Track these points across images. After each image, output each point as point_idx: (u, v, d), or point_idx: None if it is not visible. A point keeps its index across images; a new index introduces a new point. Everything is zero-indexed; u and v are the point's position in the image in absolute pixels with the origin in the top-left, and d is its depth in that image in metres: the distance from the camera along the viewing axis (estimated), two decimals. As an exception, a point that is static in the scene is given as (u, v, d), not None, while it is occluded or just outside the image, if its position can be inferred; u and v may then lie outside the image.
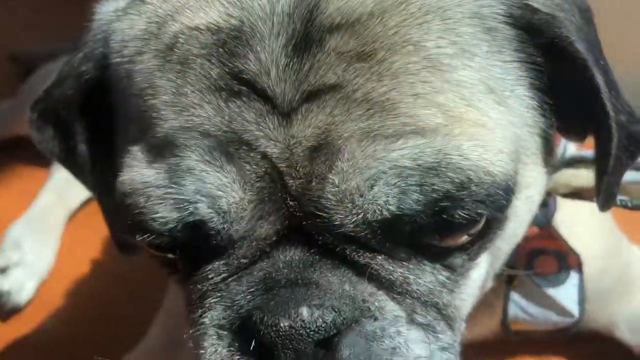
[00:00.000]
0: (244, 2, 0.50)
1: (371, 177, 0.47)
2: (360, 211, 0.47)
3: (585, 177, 0.69)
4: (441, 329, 0.53)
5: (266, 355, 0.49)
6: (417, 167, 0.47)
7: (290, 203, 0.49)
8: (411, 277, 0.52)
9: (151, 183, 0.50)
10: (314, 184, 0.48)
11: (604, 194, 0.61)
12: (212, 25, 0.50)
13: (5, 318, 1.17)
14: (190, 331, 0.54)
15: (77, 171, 0.66)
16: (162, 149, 0.50)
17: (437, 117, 0.48)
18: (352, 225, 0.48)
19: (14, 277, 1.17)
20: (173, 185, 0.49)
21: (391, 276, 0.51)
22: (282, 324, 0.48)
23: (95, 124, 0.61)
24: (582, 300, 0.82)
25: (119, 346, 1.01)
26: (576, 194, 0.73)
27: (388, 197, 0.47)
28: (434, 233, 0.51)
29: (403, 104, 0.47)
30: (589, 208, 0.78)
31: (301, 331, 0.48)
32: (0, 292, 1.15)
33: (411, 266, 0.52)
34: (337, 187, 0.47)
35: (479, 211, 0.49)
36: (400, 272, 0.51)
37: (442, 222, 0.48)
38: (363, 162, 0.47)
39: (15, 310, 1.17)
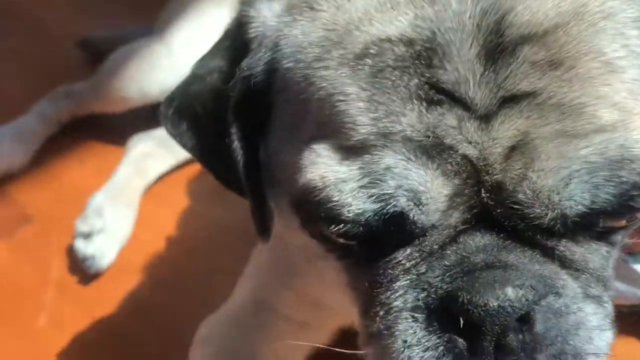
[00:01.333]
0: (430, 13, 0.53)
1: (566, 176, 0.51)
2: (556, 207, 0.52)
3: None
4: (607, 298, 0.58)
5: (467, 333, 0.53)
6: (604, 160, 0.51)
7: (484, 196, 0.52)
8: (588, 256, 0.57)
9: (347, 180, 0.53)
10: (510, 180, 0.52)
11: None
12: (405, 37, 0.53)
13: (88, 281, 1.22)
14: (380, 314, 0.57)
15: (216, 164, 0.69)
16: (353, 150, 0.53)
17: (615, 114, 0.51)
18: (547, 219, 0.52)
19: (97, 242, 1.22)
20: (373, 182, 0.52)
21: (574, 257, 0.56)
22: (491, 304, 0.52)
23: (246, 123, 0.63)
24: None
25: (193, 310, 1.05)
26: None
27: (582, 192, 0.51)
28: (616, 218, 0.55)
29: (589, 106, 0.51)
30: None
31: (508, 309, 0.52)
32: (85, 255, 1.20)
33: (587, 246, 0.56)
34: (535, 183, 0.51)
35: None
36: (580, 253, 0.56)
37: (627, 208, 0.53)
38: (558, 162, 0.51)
39: (97, 274, 1.23)
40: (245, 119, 0.63)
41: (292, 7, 0.60)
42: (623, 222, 0.56)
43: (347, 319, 0.83)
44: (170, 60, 1.42)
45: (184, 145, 0.69)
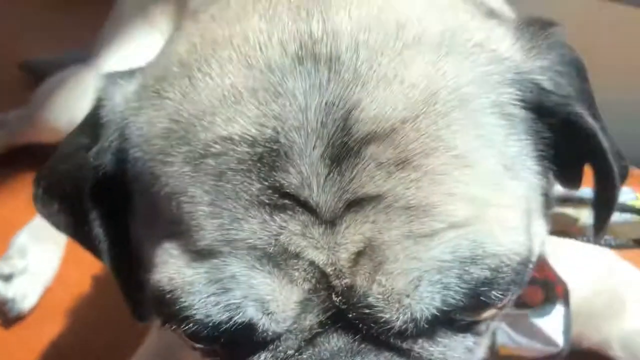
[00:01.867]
0: (274, 109, 0.49)
1: (415, 278, 0.49)
2: (407, 310, 0.50)
3: (571, 214, 0.71)
4: None
5: None
6: (455, 259, 0.49)
7: (335, 299, 0.50)
8: (448, 352, 0.54)
9: (193, 283, 0.51)
10: (360, 284, 0.50)
11: (601, 228, 0.65)
12: (247, 137, 0.49)
13: (9, 325, 1.21)
14: None
15: (89, 246, 0.66)
16: (204, 254, 0.51)
17: (469, 209, 0.50)
18: (399, 322, 0.50)
19: (18, 284, 1.21)
20: (218, 289, 0.50)
21: (431, 356, 0.53)
22: None
23: (108, 207, 0.61)
24: (567, 330, 0.82)
25: (120, 353, 1.05)
26: (562, 232, 0.73)
27: (432, 294, 0.49)
28: (470, 312, 0.53)
29: (440, 205, 0.49)
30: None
31: None
32: (5, 299, 1.19)
33: (447, 341, 0.54)
34: (384, 287, 0.49)
35: (510, 288, 0.52)
36: (439, 351, 0.54)
37: (480, 302, 0.51)
38: (407, 264, 0.49)
39: (18, 317, 1.21)
40: (108, 203, 0.60)
41: (143, 89, 0.58)
42: (485, 315, 0.54)
43: None
44: (101, 88, 1.41)
45: (57, 227, 0.67)
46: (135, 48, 1.42)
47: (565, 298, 0.81)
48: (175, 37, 0.60)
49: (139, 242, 0.60)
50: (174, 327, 0.55)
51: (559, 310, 0.81)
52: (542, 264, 0.77)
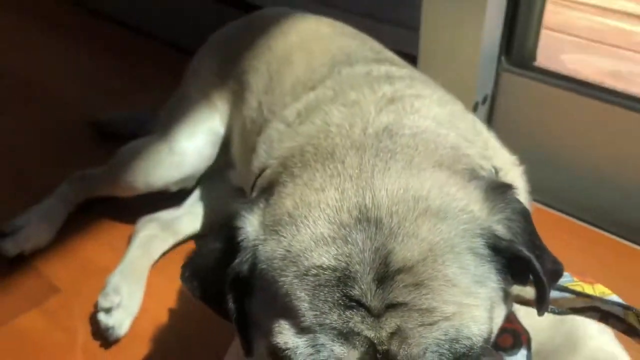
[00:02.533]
0: (345, 251, 0.81)
1: (423, 348, 0.81)
2: None
3: (529, 292, 0.99)
4: None
5: None
6: (446, 339, 0.80)
7: (379, 357, 0.82)
8: None
9: (298, 347, 0.82)
10: (393, 350, 0.81)
11: (543, 307, 0.95)
12: (330, 266, 0.81)
13: (109, 346, 1.53)
14: None
15: (216, 309, 0.96)
16: (304, 330, 0.82)
17: (455, 308, 0.81)
18: None
19: (116, 316, 1.52)
20: (313, 352, 0.82)
21: None
22: None
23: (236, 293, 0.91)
24: None
25: None
26: (524, 302, 1.03)
27: (433, 357, 0.81)
28: None
29: (439, 307, 0.81)
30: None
31: None
32: (107, 326, 1.50)
33: None
34: (406, 352, 0.81)
35: (478, 354, 0.84)
36: None
37: None
38: (419, 341, 0.80)
39: (115, 341, 1.53)
40: (237, 289, 0.91)
41: (266, 227, 0.89)
42: None
43: None
44: (172, 159, 1.73)
45: (196, 297, 0.97)
46: (200, 126, 1.74)
47: (528, 343, 1.08)
48: (283, 194, 0.91)
49: (257, 316, 0.90)
50: None
51: (523, 352, 1.08)
52: (512, 317, 1.06)
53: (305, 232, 0.85)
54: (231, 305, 0.90)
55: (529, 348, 1.09)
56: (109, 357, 1.51)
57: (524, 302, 1.04)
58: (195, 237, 1.83)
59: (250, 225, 0.90)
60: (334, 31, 1.65)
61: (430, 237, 0.82)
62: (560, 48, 2.11)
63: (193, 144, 1.74)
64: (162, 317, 1.59)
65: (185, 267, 0.98)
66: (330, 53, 1.51)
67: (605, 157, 1.83)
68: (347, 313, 0.81)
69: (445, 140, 0.97)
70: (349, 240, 0.82)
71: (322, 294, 0.82)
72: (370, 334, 0.81)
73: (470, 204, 0.87)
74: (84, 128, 2.27)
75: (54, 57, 2.88)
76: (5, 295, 1.68)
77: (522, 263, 0.89)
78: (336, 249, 0.82)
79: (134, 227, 1.80)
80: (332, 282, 0.81)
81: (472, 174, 0.93)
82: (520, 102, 1.97)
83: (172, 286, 1.67)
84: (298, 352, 0.82)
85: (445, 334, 0.81)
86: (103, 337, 1.54)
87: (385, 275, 0.81)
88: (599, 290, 1.04)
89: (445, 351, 0.81)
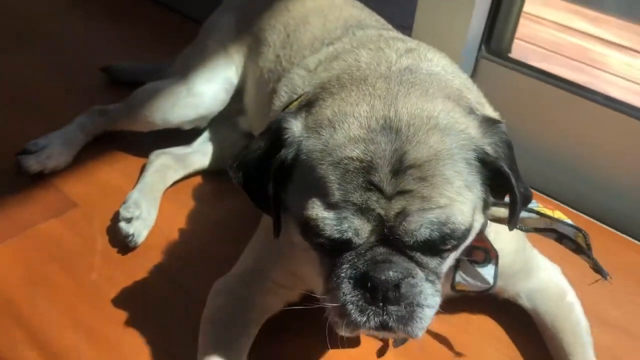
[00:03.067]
0: (371, 148, 1.04)
1: (419, 225, 1.05)
2: (414, 237, 1.07)
3: (502, 211, 1.25)
4: (437, 283, 1.13)
5: (371, 290, 1.08)
6: (438, 221, 1.05)
7: (385, 231, 1.07)
8: (429, 261, 1.11)
9: (327, 219, 1.06)
10: (396, 225, 1.06)
11: (512, 223, 1.21)
12: (359, 157, 1.04)
13: (125, 253, 1.72)
14: (333, 278, 1.11)
15: (253, 196, 1.19)
16: (331, 206, 1.06)
17: (447, 201, 1.05)
18: (410, 242, 1.08)
19: (135, 225, 1.71)
20: (338, 224, 1.06)
21: (422, 260, 1.10)
22: (382, 277, 1.06)
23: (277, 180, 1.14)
24: (495, 277, 1.34)
25: (201, 280, 1.55)
26: (497, 220, 1.29)
27: (426, 233, 1.06)
28: (439, 245, 1.10)
29: (435, 197, 1.05)
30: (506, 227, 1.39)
31: (389, 280, 1.07)
32: (127, 233, 1.69)
33: (428, 257, 1.12)
34: (406, 227, 1.06)
35: (459, 238, 1.10)
36: (425, 259, 1.11)
37: (444, 242, 1.09)
38: (417, 219, 1.05)
39: (134, 247, 1.72)
40: (276, 178, 1.14)
41: (308, 128, 1.13)
42: (447, 248, 1.10)
43: (311, 286, 1.35)
44: (190, 100, 1.93)
45: (239, 184, 1.20)
46: (217, 73, 1.94)
47: (496, 259, 1.32)
48: (323, 105, 1.13)
49: (293, 195, 1.14)
50: (308, 234, 1.10)
51: (492, 265, 1.34)
52: (483, 238, 1.29)
53: (340, 133, 1.09)
54: (271, 189, 1.14)
55: (496, 264, 1.35)
56: (125, 262, 1.70)
57: (498, 219, 1.30)
58: (203, 172, 2.03)
59: (296, 126, 1.14)
60: (346, 2, 1.89)
61: (436, 146, 1.06)
62: (525, 56, 2.43)
63: (210, 88, 1.94)
64: (173, 235, 1.79)
65: (234, 158, 1.21)
66: (343, 18, 1.76)
67: (569, 141, 2.06)
68: (367, 194, 1.05)
69: (452, 83, 1.22)
70: (375, 141, 1.06)
71: (349, 177, 1.06)
72: (381, 211, 1.06)
73: (468, 128, 1.12)
74: (96, 73, 2.44)
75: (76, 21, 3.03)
76: (26, 205, 1.85)
77: (501, 181, 1.14)
78: (364, 146, 1.06)
79: (147, 159, 1.99)
80: (358, 169, 1.05)
81: (471, 110, 1.18)
82: (494, 87, 2.23)
83: (182, 211, 1.88)
84: (326, 222, 1.07)
85: (437, 218, 1.06)
86: (122, 244, 1.73)
87: (399, 169, 1.05)
88: (557, 214, 1.31)
89: (434, 230, 1.06)
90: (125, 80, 2.38)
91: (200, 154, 2.03)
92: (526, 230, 1.32)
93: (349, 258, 1.10)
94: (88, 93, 2.34)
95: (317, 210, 1.07)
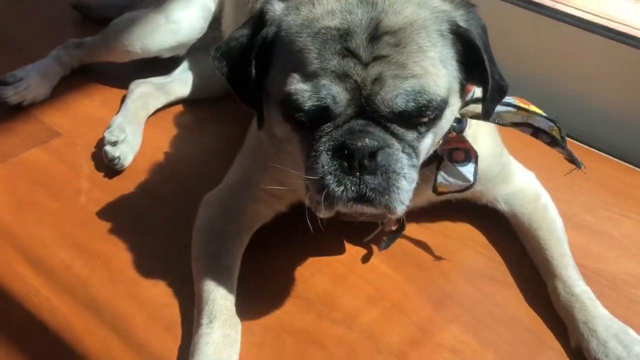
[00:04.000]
0: (348, 18, 1.11)
1: (395, 94, 1.10)
2: (390, 107, 1.11)
3: (479, 108, 1.30)
4: (414, 157, 1.16)
5: (348, 158, 1.10)
6: (413, 90, 1.10)
7: (362, 101, 1.11)
8: (405, 133, 1.15)
9: (305, 91, 1.10)
10: (373, 93, 1.10)
11: (485, 112, 1.24)
12: (337, 26, 1.10)
13: (112, 176, 1.74)
14: (312, 154, 1.13)
15: (236, 85, 1.22)
16: (309, 76, 1.10)
17: (422, 70, 1.11)
18: (386, 112, 1.12)
19: (121, 148, 1.72)
20: (316, 92, 1.09)
21: (398, 132, 1.14)
22: (359, 144, 1.09)
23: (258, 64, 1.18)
24: (475, 174, 1.37)
25: (187, 197, 1.59)
26: (475, 116, 1.33)
27: (402, 102, 1.10)
28: (415, 117, 1.14)
29: (410, 65, 1.10)
30: (485, 129, 1.45)
31: (366, 148, 1.09)
32: (113, 156, 1.70)
33: (405, 129, 1.15)
34: (382, 96, 1.10)
35: (435, 109, 1.14)
36: (401, 131, 1.15)
37: (420, 113, 1.13)
38: (393, 88, 1.10)
39: (121, 171, 1.74)
40: (258, 62, 1.17)
41: (289, 7, 1.17)
42: (424, 120, 1.14)
43: (299, 195, 1.39)
44: (168, 26, 1.93)
45: (222, 74, 1.23)
46: (195, 2, 1.95)
47: (475, 158, 1.36)
48: None
49: (273, 77, 1.17)
50: (288, 111, 1.13)
51: (472, 164, 1.38)
52: (463, 139, 1.34)
53: (319, 7, 1.14)
54: (253, 72, 1.17)
55: (476, 162, 1.40)
56: (113, 185, 1.72)
57: (476, 116, 1.35)
58: (184, 102, 2.04)
59: (277, 5, 1.19)
60: None
61: (411, 16, 1.12)
62: None
63: (188, 14, 1.95)
64: (159, 159, 1.82)
65: (217, 49, 1.24)
66: None
67: (554, 66, 2.05)
68: (344, 60, 1.10)
69: None
70: (352, 12, 1.12)
71: (327, 45, 1.10)
72: (358, 78, 1.10)
73: (442, 5, 1.18)
74: (69, 10, 2.41)
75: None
76: (8, 136, 1.86)
77: (476, 61, 1.17)
78: (341, 17, 1.12)
79: (127, 90, 1.99)
80: (336, 37, 1.10)
81: None
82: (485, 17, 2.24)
83: (167, 137, 1.90)
84: (305, 93, 1.10)
85: (412, 87, 1.10)
86: (108, 168, 1.74)
87: (375, 35, 1.10)
88: (533, 108, 1.36)
89: (410, 99, 1.10)
90: (97, 16, 2.36)
91: (180, 82, 2.03)
92: (503, 124, 1.37)
93: (327, 130, 1.13)
94: (62, 30, 2.31)
95: (296, 84, 1.11)
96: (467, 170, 1.40)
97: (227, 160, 1.57)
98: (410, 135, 1.16)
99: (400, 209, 1.16)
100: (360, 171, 1.12)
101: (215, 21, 1.99)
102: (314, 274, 1.51)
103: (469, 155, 1.39)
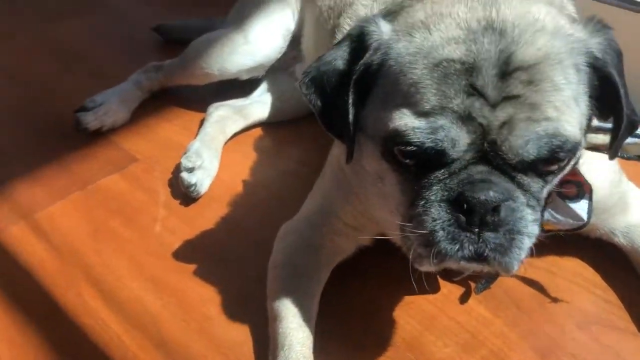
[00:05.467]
0: (474, 48, 0.94)
1: (526, 141, 0.93)
2: (520, 156, 0.95)
3: (601, 138, 1.13)
4: (538, 210, 1.01)
5: (466, 213, 0.95)
6: (546, 134, 0.93)
7: (486, 146, 0.95)
8: (532, 184, 0.99)
9: (419, 128, 0.94)
10: (500, 139, 0.94)
11: (614, 151, 1.08)
12: (461, 60, 0.94)
13: (188, 204, 1.66)
14: (419, 202, 0.99)
15: (326, 116, 1.08)
16: (424, 114, 0.94)
17: (555, 112, 0.94)
18: (515, 160, 0.96)
19: (198, 175, 1.65)
20: (432, 132, 0.94)
21: (524, 182, 0.98)
22: (481, 198, 0.94)
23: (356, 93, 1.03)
24: (589, 212, 1.22)
25: (264, 229, 1.48)
26: (594, 148, 1.17)
27: (533, 150, 0.94)
28: (545, 166, 0.98)
29: (543, 106, 0.94)
30: (601, 157, 1.24)
31: (488, 202, 0.94)
32: (189, 183, 1.63)
33: (532, 179, 0.99)
34: (511, 142, 0.94)
35: (568, 154, 0.97)
36: (527, 180, 0.99)
37: (551, 160, 0.97)
38: (524, 133, 0.93)
39: (197, 198, 1.66)
40: (356, 90, 1.03)
41: (398, 31, 1.02)
42: (553, 168, 0.99)
43: (384, 228, 1.24)
44: (246, 47, 1.86)
45: (310, 102, 1.08)
46: (274, 19, 1.86)
47: (590, 193, 1.21)
48: (411, 11, 1.04)
49: (373, 111, 1.03)
50: (391, 149, 0.98)
51: (585, 199, 1.22)
52: (575, 171, 1.17)
53: (437, 34, 0.98)
54: (350, 103, 1.02)
55: (590, 198, 1.22)
56: (188, 213, 1.65)
57: (594, 147, 1.17)
58: (263, 124, 1.96)
59: (384, 27, 1.03)
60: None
61: (545, 49, 0.96)
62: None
63: (266, 34, 1.86)
64: (236, 185, 1.73)
65: (306, 73, 1.09)
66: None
67: None
68: (469, 100, 0.94)
69: None
70: (477, 41, 0.95)
71: (449, 80, 0.94)
72: (484, 121, 0.94)
73: (576, 32, 1.01)
74: (150, 33, 2.39)
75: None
76: (87, 162, 1.83)
77: (608, 96, 1.01)
78: (465, 47, 0.95)
79: (205, 112, 1.93)
80: (460, 71, 0.94)
81: (574, 20, 1.06)
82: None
83: (245, 162, 1.81)
84: (418, 131, 0.94)
85: (546, 130, 0.94)
86: (184, 195, 1.67)
87: (505, 71, 0.94)
88: (667, 139, 1.16)
89: (543, 144, 0.94)
90: (178, 38, 2.32)
91: (259, 104, 1.95)
92: (627, 158, 1.19)
93: (441, 178, 0.98)
94: (143, 53, 2.30)
95: (407, 120, 0.95)
96: (580, 207, 1.23)
97: (309, 185, 1.46)
98: (536, 185, 1.00)
99: (517, 268, 1.01)
100: (480, 227, 0.96)
101: (295, 40, 1.90)
102: (401, 315, 1.36)
103: (582, 189, 1.22)
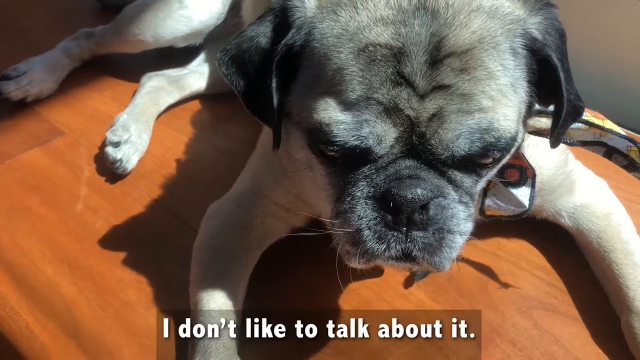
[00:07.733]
0: (403, 32, 0.86)
1: (457, 134, 0.86)
2: (450, 150, 0.87)
3: (544, 122, 1.06)
4: (471, 206, 0.95)
5: (393, 211, 0.89)
6: (479, 129, 0.86)
7: (414, 139, 0.87)
8: (464, 179, 0.92)
9: (342, 123, 0.86)
10: (429, 132, 0.86)
11: (555, 138, 1.01)
12: (388, 44, 0.85)
13: (114, 181, 1.55)
14: (345, 198, 0.92)
15: (250, 98, 0.98)
16: (349, 105, 0.85)
17: (490, 102, 0.86)
18: (445, 155, 0.88)
19: (124, 150, 1.53)
20: (357, 128, 0.86)
21: (455, 178, 0.91)
22: (408, 196, 0.87)
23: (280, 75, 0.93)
24: (532, 198, 1.16)
25: (198, 205, 1.36)
26: (537, 132, 1.09)
27: (464, 144, 0.86)
28: (478, 159, 0.90)
29: (477, 96, 0.85)
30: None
31: (416, 200, 0.87)
32: (115, 159, 1.52)
33: (463, 174, 0.92)
34: (441, 136, 0.86)
35: (502, 149, 0.90)
36: (460, 177, 0.92)
37: (484, 155, 0.89)
38: (455, 126, 0.85)
39: (123, 175, 1.55)
40: (279, 73, 0.93)
41: (322, 7, 0.92)
42: (487, 162, 0.92)
43: (317, 210, 1.16)
44: (182, 12, 1.74)
45: (232, 83, 0.98)
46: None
47: (532, 178, 1.15)
48: None
49: (298, 98, 0.93)
50: (317, 143, 0.90)
51: (527, 185, 1.15)
52: (518, 154, 1.11)
53: (364, 13, 0.89)
54: (274, 86, 0.92)
55: (533, 185, 1.16)
56: (114, 191, 1.54)
57: (538, 132, 1.09)
58: (201, 97, 1.84)
59: (309, 2, 0.93)
60: None
61: (480, 31, 0.88)
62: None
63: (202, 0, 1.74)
64: (168, 162, 1.62)
65: (225, 51, 0.98)
66: None
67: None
68: (396, 89, 0.85)
69: None
70: (407, 23, 0.86)
71: (375, 68, 0.85)
72: (411, 113, 0.86)
73: (515, 10, 0.93)
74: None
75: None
76: (7, 134, 1.70)
77: (548, 80, 0.93)
78: (394, 30, 0.86)
79: (139, 82, 1.80)
80: (387, 58, 0.85)
81: None
82: None
83: (179, 137, 1.70)
84: (341, 126, 0.86)
85: (478, 124, 0.86)
86: (110, 172, 1.56)
87: (436, 58, 0.85)
88: (608, 124, 1.10)
89: (475, 139, 0.87)
90: (118, 5, 2.16)
91: (196, 75, 1.83)
92: (570, 143, 1.13)
93: (367, 173, 0.91)
94: (77, 20, 2.15)
95: (331, 113, 0.87)
96: (522, 193, 1.17)
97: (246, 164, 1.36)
98: (469, 180, 0.93)
99: (449, 265, 0.94)
100: (408, 226, 0.89)
101: (236, 6, 1.79)
102: (335, 300, 1.27)
103: (525, 175, 1.15)
